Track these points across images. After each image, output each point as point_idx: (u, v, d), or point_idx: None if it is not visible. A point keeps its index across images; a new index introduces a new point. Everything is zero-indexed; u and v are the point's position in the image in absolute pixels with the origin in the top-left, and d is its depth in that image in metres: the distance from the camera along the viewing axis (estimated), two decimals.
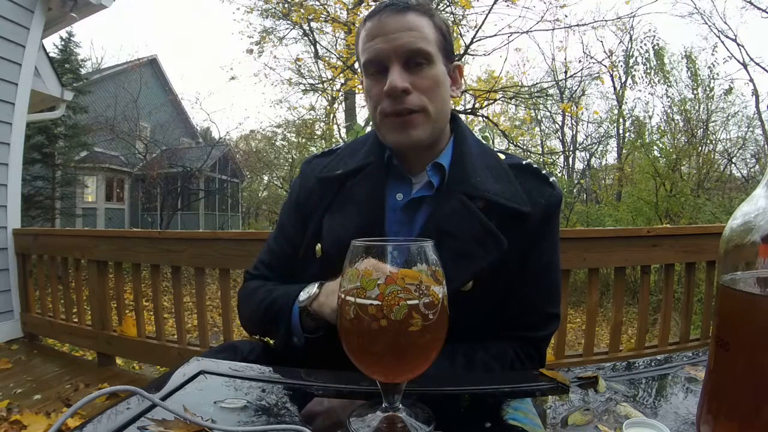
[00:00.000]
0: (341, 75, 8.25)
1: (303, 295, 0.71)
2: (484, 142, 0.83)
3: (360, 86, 7.85)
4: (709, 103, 12.57)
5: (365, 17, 0.75)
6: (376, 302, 0.40)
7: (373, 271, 0.41)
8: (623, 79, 13.93)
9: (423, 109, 0.71)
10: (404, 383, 0.45)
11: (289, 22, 9.26)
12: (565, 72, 12.36)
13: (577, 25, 8.16)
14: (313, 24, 9.43)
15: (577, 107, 12.89)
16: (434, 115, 0.73)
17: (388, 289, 0.39)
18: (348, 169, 0.78)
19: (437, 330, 0.43)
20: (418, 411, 0.47)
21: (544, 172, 0.79)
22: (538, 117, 13.74)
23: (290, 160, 15.85)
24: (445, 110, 0.76)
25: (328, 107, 12.41)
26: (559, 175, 13.39)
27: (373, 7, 0.75)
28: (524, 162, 0.79)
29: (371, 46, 0.71)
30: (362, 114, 11.32)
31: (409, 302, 0.40)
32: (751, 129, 12.53)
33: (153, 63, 16.60)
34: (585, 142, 14.74)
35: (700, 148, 12.20)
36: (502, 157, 0.80)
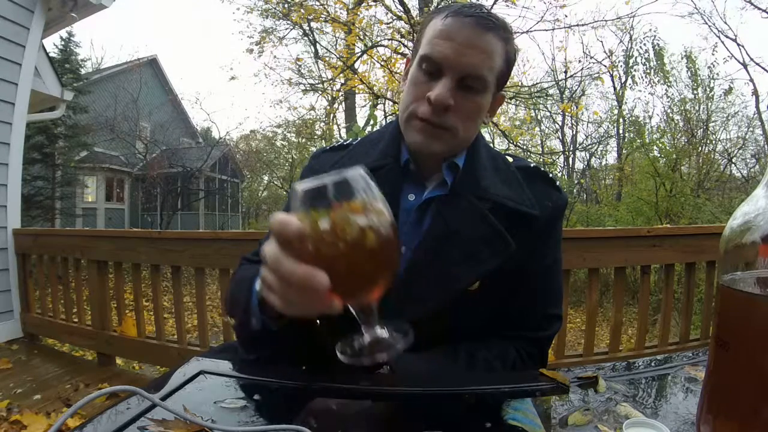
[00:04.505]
0: (341, 75, 8.25)
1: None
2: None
3: (360, 86, 7.87)
4: (709, 103, 12.58)
5: (448, 9, 0.70)
6: (329, 229, 0.42)
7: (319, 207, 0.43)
8: (623, 79, 13.95)
9: (452, 129, 0.70)
10: (376, 304, 0.47)
11: (289, 22, 9.26)
12: (565, 72, 12.35)
13: (577, 25, 8.18)
14: (313, 24, 9.45)
15: (577, 107, 12.88)
16: (460, 137, 0.72)
17: (338, 215, 0.42)
18: None
19: (391, 241, 0.45)
20: (395, 327, 0.49)
21: (551, 175, 0.79)
22: (538, 117, 13.75)
23: (290, 160, 15.86)
24: (472, 136, 0.76)
25: (328, 107, 12.43)
26: (559, 175, 13.39)
27: (461, 5, 0.69)
28: (532, 165, 0.80)
29: (438, 45, 0.68)
30: (362, 114, 11.33)
31: (360, 221, 0.42)
32: (751, 129, 12.54)
33: (153, 63, 16.60)
34: (585, 142, 14.76)
35: (700, 148, 12.20)
36: (510, 159, 0.80)
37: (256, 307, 0.61)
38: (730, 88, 12.43)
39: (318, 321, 0.74)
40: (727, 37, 11.92)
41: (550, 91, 11.53)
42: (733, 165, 12.82)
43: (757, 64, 11.58)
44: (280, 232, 0.42)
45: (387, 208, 0.45)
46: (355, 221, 0.42)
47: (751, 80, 11.96)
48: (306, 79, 11.36)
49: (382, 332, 0.48)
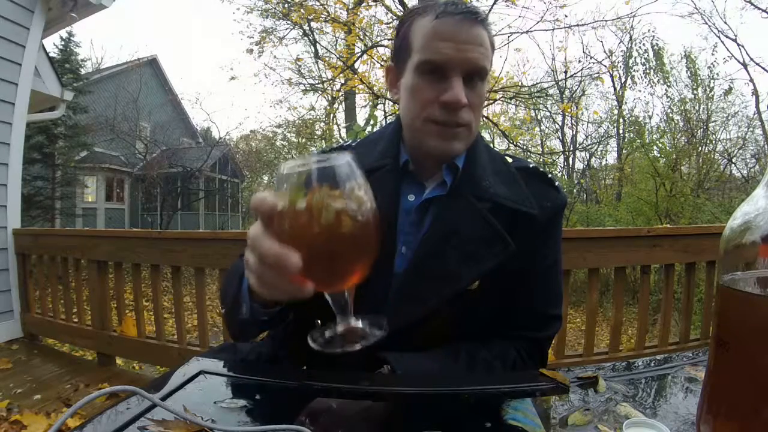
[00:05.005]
0: (341, 75, 8.25)
1: None
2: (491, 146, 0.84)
3: (360, 86, 7.87)
4: (709, 103, 12.58)
5: (430, 9, 0.70)
6: (305, 211, 0.42)
7: (298, 187, 0.43)
8: (623, 79, 13.95)
9: (469, 125, 0.71)
10: (351, 293, 0.47)
11: (289, 22, 9.26)
12: (565, 72, 12.37)
13: (577, 25, 8.18)
14: (313, 24, 9.44)
15: (577, 107, 12.89)
16: (474, 131, 0.73)
17: (315, 197, 0.42)
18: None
19: (368, 231, 0.45)
20: (371, 319, 0.49)
21: (549, 175, 0.80)
22: (538, 117, 13.74)
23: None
24: (479, 126, 0.77)
25: (328, 107, 12.42)
26: (559, 175, 13.39)
27: (443, 3, 0.70)
28: (531, 166, 0.80)
29: (439, 48, 0.68)
30: (362, 114, 11.32)
31: (336, 205, 0.42)
32: (751, 129, 12.54)
33: (153, 63, 16.60)
34: (585, 142, 14.76)
35: (700, 148, 12.20)
36: (510, 160, 0.80)
37: (246, 295, 0.61)
38: (730, 88, 12.44)
39: (318, 321, 0.74)
40: (727, 37, 11.94)
41: (550, 91, 11.52)
42: (733, 165, 12.84)
43: (757, 64, 11.60)
44: (256, 208, 0.43)
45: (370, 197, 0.45)
46: (331, 206, 0.42)
47: (751, 80, 11.99)
48: (306, 79, 11.36)
49: (356, 323, 0.48)
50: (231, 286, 0.66)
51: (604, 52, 13.43)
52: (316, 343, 0.47)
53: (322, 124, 13.54)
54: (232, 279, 0.68)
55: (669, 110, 13.25)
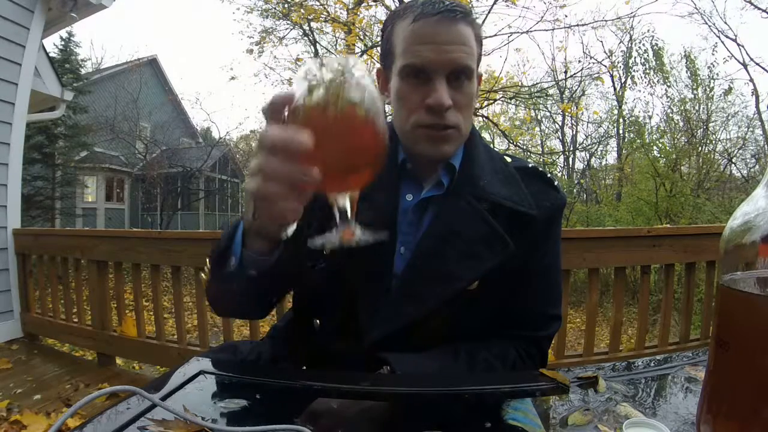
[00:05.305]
0: None
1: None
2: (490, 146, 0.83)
3: None
4: (709, 103, 12.58)
5: (409, 11, 0.69)
6: (320, 101, 0.43)
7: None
8: (623, 79, 13.95)
9: (457, 126, 0.70)
10: (355, 198, 0.47)
11: (289, 22, 9.26)
12: (565, 72, 12.38)
13: (577, 25, 8.20)
14: (313, 24, 9.43)
15: (577, 107, 12.89)
16: (464, 131, 0.73)
17: (331, 90, 0.43)
18: None
19: (378, 130, 0.46)
20: (370, 229, 0.49)
21: (549, 175, 0.80)
22: (538, 117, 13.75)
23: None
24: (470, 126, 0.76)
25: None
26: (559, 175, 13.39)
27: (421, 4, 0.68)
28: (530, 165, 0.80)
29: (419, 51, 0.67)
30: None
31: (351, 96, 0.43)
32: (751, 129, 12.52)
33: (153, 63, 16.61)
34: (585, 142, 14.76)
35: (700, 148, 12.20)
36: (509, 160, 0.80)
37: (239, 246, 0.58)
38: (730, 88, 12.43)
39: (318, 321, 0.74)
40: (727, 37, 11.93)
41: (550, 91, 11.53)
42: (733, 165, 12.83)
43: (757, 64, 11.59)
44: (270, 103, 0.44)
45: (382, 104, 0.46)
46: (347, 96, 0.43)
47: (751, 80, 11.97)
48: None
49: (356, 228, 0.48)
50: (222, 239, 0.63)
51: (604, 52, 13.44)
52: (315, 242, 0.47)
53: None
54: (224, 233, 0.64)
55: (669, 110, 13.27)
